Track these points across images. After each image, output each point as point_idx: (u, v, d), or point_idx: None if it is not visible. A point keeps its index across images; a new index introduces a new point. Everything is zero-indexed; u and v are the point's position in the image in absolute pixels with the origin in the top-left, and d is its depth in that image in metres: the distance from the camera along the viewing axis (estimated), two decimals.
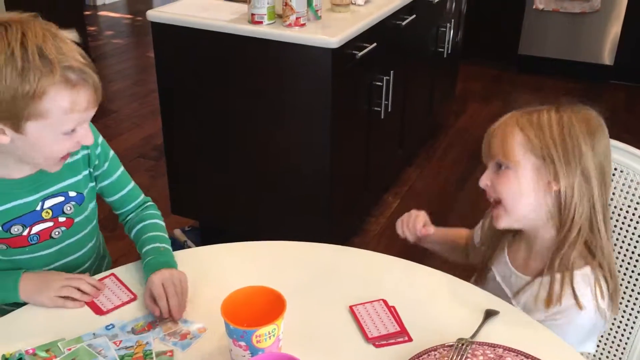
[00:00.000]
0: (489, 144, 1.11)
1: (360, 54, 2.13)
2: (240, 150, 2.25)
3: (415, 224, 1.27)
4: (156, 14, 2.15)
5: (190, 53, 2.17)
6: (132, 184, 1.27)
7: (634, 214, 1.23)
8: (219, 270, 1.18)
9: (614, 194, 1.24)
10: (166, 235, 1.22)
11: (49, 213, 1.12)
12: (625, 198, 1.24)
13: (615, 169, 1.24)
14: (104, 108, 3.69)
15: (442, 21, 3.10)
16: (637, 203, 1.22)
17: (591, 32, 4.13)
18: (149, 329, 1.03)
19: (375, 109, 2.40)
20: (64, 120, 0.98)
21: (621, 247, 1.25)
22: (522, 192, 1.07)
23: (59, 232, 1.16)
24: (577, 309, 1.06)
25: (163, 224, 1.26)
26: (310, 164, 2.17)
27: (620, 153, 1.23)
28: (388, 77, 2.39)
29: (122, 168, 1.25)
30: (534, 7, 4.17)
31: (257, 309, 0.93)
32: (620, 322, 1.27)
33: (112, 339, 1.01)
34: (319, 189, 2.20)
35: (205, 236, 2.49)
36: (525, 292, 1.13)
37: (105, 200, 1.26)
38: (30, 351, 0.98)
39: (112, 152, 1.22)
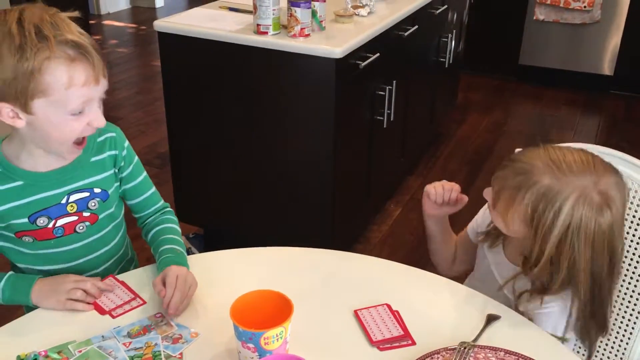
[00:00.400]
0: (494, 192, 1.13)
1: (364, 63, 2.16)
2: (245, 158, 2.27)
3: (454, 188, 1.30)
4: (163, 24, 2.19)
5: (197, 63, 2.20)
6: (153, 189, 1.30)
7: (631, 222, 1.25)
8: (223, 276, 1.20)
9: None
10: (182, 241, 1.25)
11: (73, 207, 1.16)
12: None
13: None
14: (109, 116, 3.70)
15: (443, 32, 3.14)
16: (636, 211, 1.24)
17: (591, 42, 4.17)
18: (145, 333, 1.05)
19: (378, 117, 2.43)
20: (66, 97, 1.00)
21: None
22: (516, 232, 1.14)
23: (83, 227, 1.19)
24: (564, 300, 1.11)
25: (179, 229, 1.29)
26: (314, 172, 2.20)
27: (620, 162, 1.25)
28: (391, 87, 2.42)
29: (144, 173, 1.28)
30: (534, 17, 4.21)
31: (264, 312, 0.96)
32: (618, 331, 1.29)
33: (120, 340, 1.03)
34: (321, 197, 2.22)
35: (209, 243, 2.52)
36: (515, 281, 1.17)
37: (126, 203, 1.30)
38: (43, 353, 1.00)
39: (136, 158, 1.26)
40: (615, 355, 1.31)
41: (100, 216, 1.20)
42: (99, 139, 1.19)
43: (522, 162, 1.10)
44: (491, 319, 1.09)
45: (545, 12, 4.17)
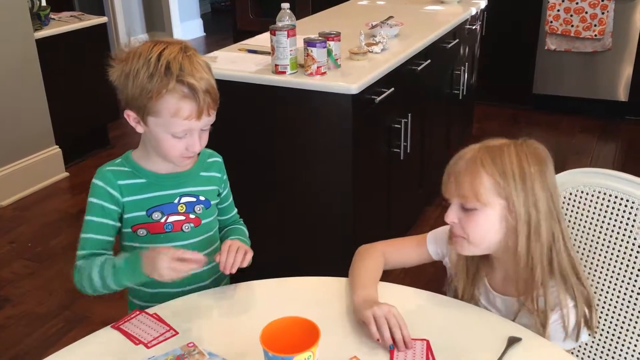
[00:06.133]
0: (455, 184, 1.16)
1: (379, 98, 2.23)
2: (265, 192, 2.33)
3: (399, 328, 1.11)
4: None
5: (220, 102, 2.28)
6: (235, 210, 1.52)
7: None
8: (251, 305, 1.26)
9: (625, 227, 1.30)
10: (246, 236, 1.47)
11: (183, 207, 1.34)
12: (637, 233, 1.28)
13: (628, 201, 1.30)
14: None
15: (456, 64, 3.21)
16: None
17: (604, 70, 4.20)
18: None
19: (395, 150, 2.49)
20: (171, 123, 1.21)
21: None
22: (490, 230, 1.15)
23: (188, 227, 1.35)
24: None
25: (246, 231, 1.50)
26: (333, 205, 2.24)
27: (636, 187, 1.28)
28: (406, 120, 2.48)
29: (231, 198, 1.50)
30: (545, 48, 4.27)
31: (292, 338, 0.99)
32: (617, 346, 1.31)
33: None
34: (342, 229, 2.27)
35: (234, 277, 2.55)
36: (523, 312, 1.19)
37: None
38: None
39: (228, 186, 1.48)
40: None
41: (203, 221, 1.37)
42: (209, 160, 1.41)
43: (455, 160, 1.20)
44: (512, 341, 1.12)
45: (557, 42, 4.23)
